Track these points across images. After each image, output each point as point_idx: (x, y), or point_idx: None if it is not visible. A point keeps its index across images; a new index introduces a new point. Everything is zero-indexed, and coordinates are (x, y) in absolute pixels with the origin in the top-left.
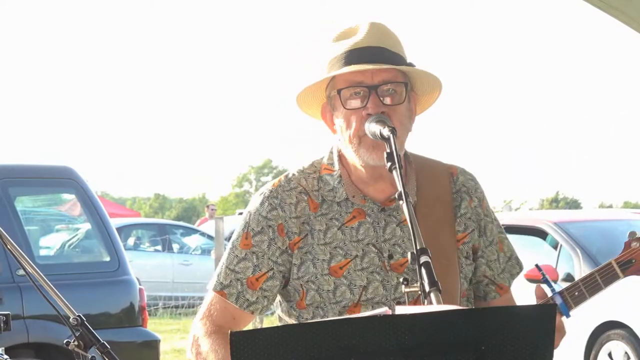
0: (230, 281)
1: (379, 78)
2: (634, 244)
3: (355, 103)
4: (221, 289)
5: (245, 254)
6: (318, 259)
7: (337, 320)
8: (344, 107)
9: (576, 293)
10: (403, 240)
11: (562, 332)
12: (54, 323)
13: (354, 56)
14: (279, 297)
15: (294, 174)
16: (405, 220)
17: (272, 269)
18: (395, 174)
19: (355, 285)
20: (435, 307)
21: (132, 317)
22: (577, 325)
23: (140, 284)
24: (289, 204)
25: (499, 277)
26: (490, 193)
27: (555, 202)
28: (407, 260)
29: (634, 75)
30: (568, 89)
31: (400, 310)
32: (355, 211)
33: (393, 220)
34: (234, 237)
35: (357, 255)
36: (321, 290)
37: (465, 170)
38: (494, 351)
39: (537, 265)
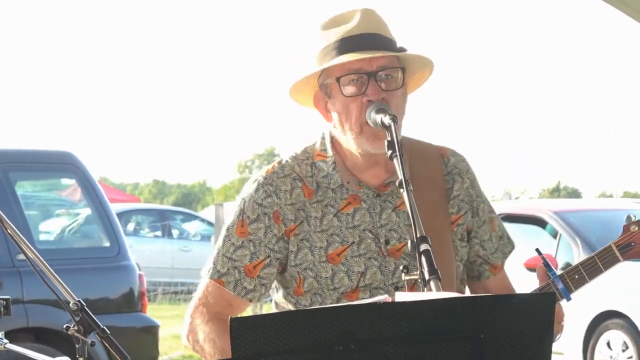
0: (228, 269)
1: (377, 64)
2: (633, 228)
3: (354, 90)
4: (218, 277)
5: (242, 242)
6: (315, 247)
7: (336, 307)
8: (343, 95)
9: (576, 276)
10: (399, 226)
11: (560, 316)
12: (53, 308)
13: (350, 44)
14: (276, 283)
15: (287, 161)
16: (401, 205)
17: (269, 256)
18: (397, 162)
19: (353, 272)
20: (435, 294)
21: (131, 302)
22: (576, 315)
23: (139, 270)
24: (284, 191)
25: (493, 257)
26: (490, 182)
27: (556, 192)
28: (404, 246)
29: (635, 65)
30: (569, 80)
31: (400, 297)
32: (350, 197)
33: (389, 206)
34: (228, 223)
35: (354, 242)
36: (319, 277)
37: (455, 151)
38: (493, 339)
39: (537, 250)
